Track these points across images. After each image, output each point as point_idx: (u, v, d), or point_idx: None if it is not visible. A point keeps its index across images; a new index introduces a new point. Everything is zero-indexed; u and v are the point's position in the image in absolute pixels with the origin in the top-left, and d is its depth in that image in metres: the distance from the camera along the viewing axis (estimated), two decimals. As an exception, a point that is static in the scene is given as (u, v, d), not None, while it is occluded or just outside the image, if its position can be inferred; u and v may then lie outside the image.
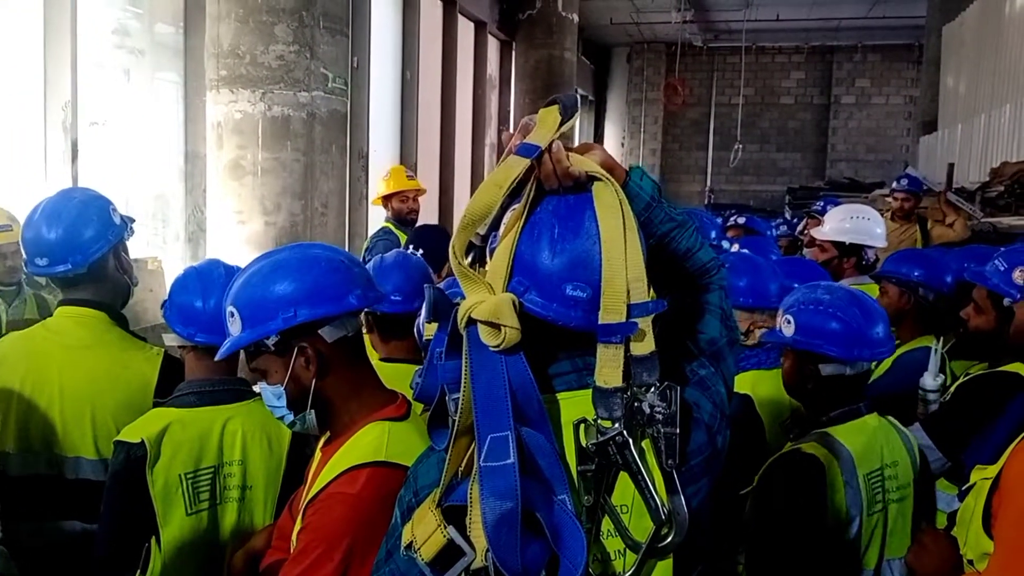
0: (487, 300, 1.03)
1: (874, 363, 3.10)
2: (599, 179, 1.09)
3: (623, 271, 1.04)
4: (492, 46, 11.99)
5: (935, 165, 10.05)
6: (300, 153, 4.91)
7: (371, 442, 1.49)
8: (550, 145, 1.09)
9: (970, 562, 1.55)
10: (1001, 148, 8.64)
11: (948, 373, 2.76)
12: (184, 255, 5.68)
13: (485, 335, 1.03)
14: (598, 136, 19.43)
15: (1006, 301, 2.40)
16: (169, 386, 2.05)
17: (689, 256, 1.25)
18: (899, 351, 3.02)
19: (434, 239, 3.58)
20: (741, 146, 17.52)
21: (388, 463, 1.46)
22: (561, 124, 1.11)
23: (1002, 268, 2.42)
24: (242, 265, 1.65)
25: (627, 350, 1.07)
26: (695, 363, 1.26)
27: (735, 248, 3.90)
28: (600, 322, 1.05)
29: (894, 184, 6.31)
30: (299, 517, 1.51)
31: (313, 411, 1.54)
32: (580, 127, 17.95)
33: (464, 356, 1.04)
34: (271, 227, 4.86)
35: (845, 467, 1.89)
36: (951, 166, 8.16)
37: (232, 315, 1.52)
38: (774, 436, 2.40)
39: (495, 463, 0.99)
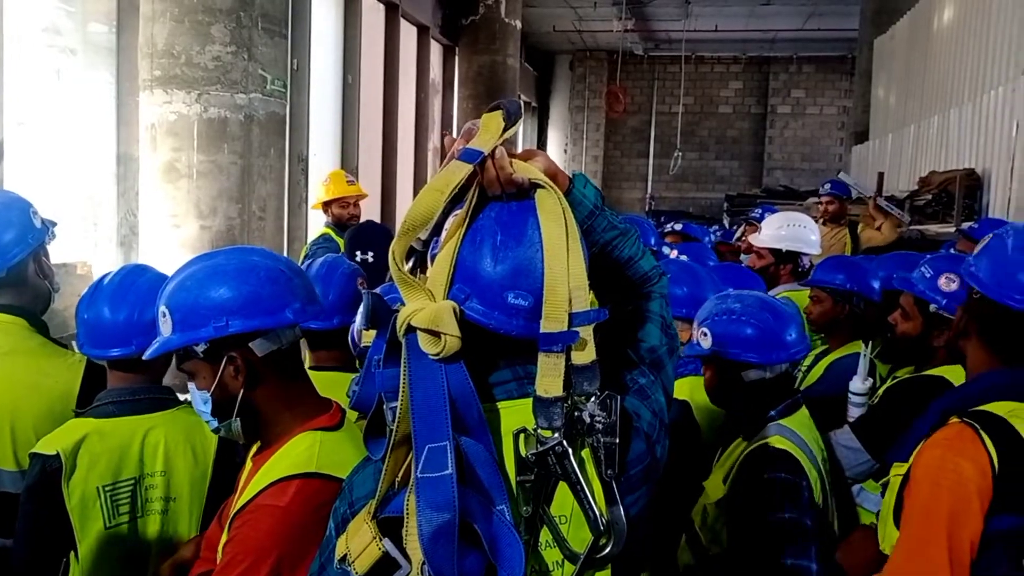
0: (427, 307, 1.02)
1: (802, 366, 3.19)
2: (542, 186, 1.08)
3: (565, 279, 1.04)
4: (435, 51, 11.96)
5: (867, 174, 10.33)
6: (237, 156, 4.81)
7: (302, 453, 1.46)
8: (493, 151, 1.08)
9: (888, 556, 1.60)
10: (929, 158, 8.93)
11: (876, 377, 2.83)
12: (116, 259, 5.53)
13: (425, 343, 1.01)
14: (541, 142, 19.52)
15: (932, 307, 2.46)
16: (92, 394, 1.99)
17: (631, 264, 1.25)
18: (831, 357, 3.09)
19: (376, 240, 3.49)
20: (681, 154, 17.80)
21: (319, 474, 1.43)
22: (505, 130, 1.10)
23: (928, 275, 2.48)
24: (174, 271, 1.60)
25: (568, 359, 1.06)
26: (635, 372, 1.26)
27: (674, 254, 3.95)
28: (542, 331, 1.04)
29: (820, 189, 6.52)
30: (227, 528, 1.47)
31: (239, 420, 1.51)
32: (523, 133, 18.00)
33: (403, 364, 1.02)
34: (206, 231, 4.76)
35: (810, 457, 1.96)
36: (881, 175, 8.40)
37: (164, 315, 1.49)
38: (710, 441, 2.43)
39: (433, 474, 0.97)
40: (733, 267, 3.73)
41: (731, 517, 2.01)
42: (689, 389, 2.47)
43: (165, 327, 1.49)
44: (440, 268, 1.07)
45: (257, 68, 4.84)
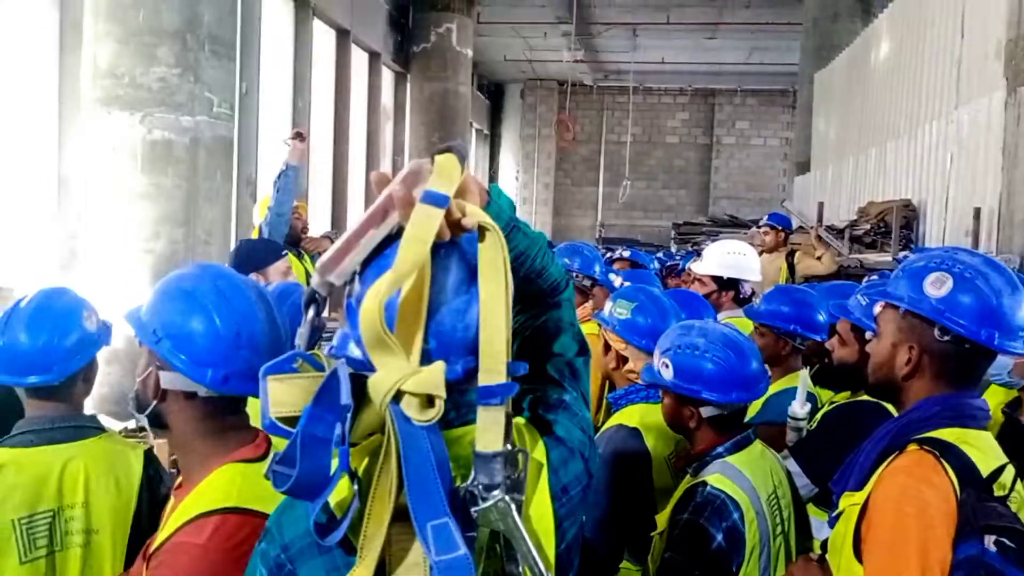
0: (420, 371, 0.96)
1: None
2: (488, 230, 1.01)
3: (503, 332, 1.00)
4: (387, 77, 12.00)
5: (808, 204, 10.59)
6: (182, 179, 4.74)
7: (221, 487, 1.40)
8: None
9: None
10: (868, 188, 9.20)
11: (818, 395, 2.87)
12: (56, 283, 5.38)
13: (413, 408, 0.95)
14: (492, 170, 19.64)
15: (868, 334, 2.51)
16: None
17: (543, 273, 1.22)
18: (771, 391, 3.06)
19: (262, 257, 3.36)
20: (629, 182, 18.06)
21: (239, 509, 1.37)
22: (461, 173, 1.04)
23: (864, 303, 2.54)
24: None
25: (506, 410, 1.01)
26: (558, 390, 1.24)
27: (619, 281, 3.99)
28: (479, 384, 0.99)
29: (761, 220, 6.70)
30: (144, 568, 1.40)
31: (146, 418, 1.48)
32: (475, 161, 18.10)
33: (392, 434, 0.96)
34: (149, 255, 4.67)
35: (752, 497, 1.96)
36: (821, 204, 8.62)
37: (152, 295, 1.49)
38: (660, 469, 2.44)
39: (448, 555, 0.92)
40: (685, 293, 3.75)
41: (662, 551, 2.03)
42: (640, 415, 2.48)
43: (144, 305, 1.49)
44: (410, 321, 0.99)
45: (204, 90, 4.79)
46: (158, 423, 1.48)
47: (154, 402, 1.45)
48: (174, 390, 1.44)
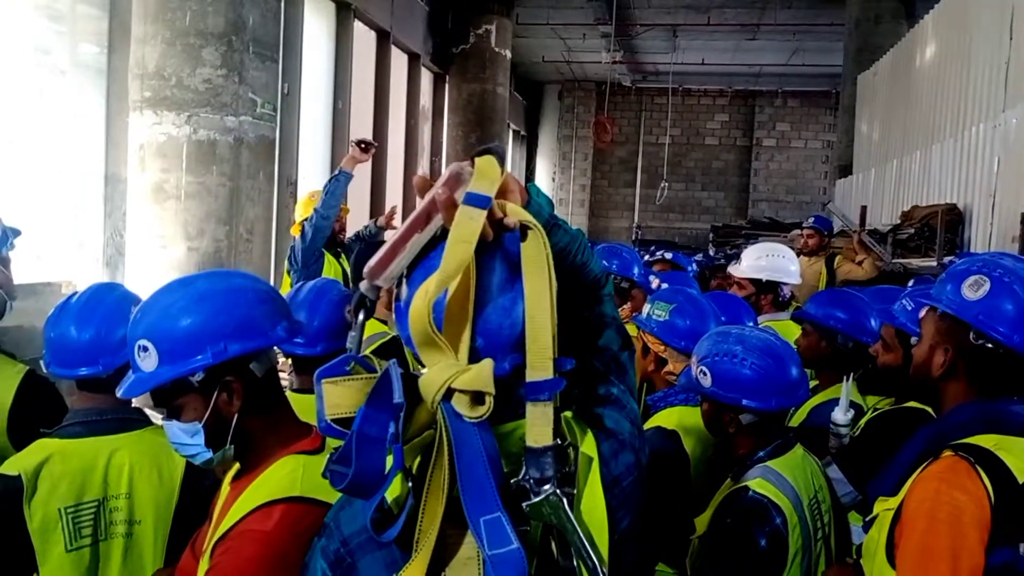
0: (469, 369, 0.98)
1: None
2: (530, 228, 1.03)
3: (548, 328, 1.01)
4: (425, 78, 12.06)
5: (850, 207, 10.43)
6: (226, 178, 4.83)
7: (285, 477, 1.43)
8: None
9: None
10: (912, 192, 9.04)
11: (862, 401, 2.82)
12: (102, 279, 5.50)
13: (464, 405, 0.97)
14: (529, 170, 19.66)
15: (913, 339, 2.48)
16: (28, 409, 1.97)
17: (584, 269, 1.23)
18: (815, 400, 2.98)
19: None
20: (667, 184, 17.97)
21: (303, 498, 1.40)
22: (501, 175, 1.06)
23: (909, 307, 2.51)
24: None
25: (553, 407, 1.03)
26: (606, 383, 1.26)
27: (656, 283, 3.97)
28: (527, 380, 1.01)
29: (804, 223, 6.62)
30: (205, 557, 1.42)
31: (233, 446, 1.47)
32: (512, 162, 18.13)
33: (444, 431, 0.98)
34: (194, 252, 4.76)
35: (794, 501, 1.95)
36: (863, 208, 8.48)
37: (146, 350, 1.42)
38: (699, 471, 2.43)
39: (501, 549, 0.94)
40: (724, 295, 3.71)
41: (700, 555, 2.02)
42: (678, 418, 2.47)
43: (147, 361, 1.42)
44: (456, 319, 1.00)
45: (248, 91, 4.87)
46: (238, 438, 1.49)
47: (235, 417, 1.46)
48: (255, 381, 1.47)
